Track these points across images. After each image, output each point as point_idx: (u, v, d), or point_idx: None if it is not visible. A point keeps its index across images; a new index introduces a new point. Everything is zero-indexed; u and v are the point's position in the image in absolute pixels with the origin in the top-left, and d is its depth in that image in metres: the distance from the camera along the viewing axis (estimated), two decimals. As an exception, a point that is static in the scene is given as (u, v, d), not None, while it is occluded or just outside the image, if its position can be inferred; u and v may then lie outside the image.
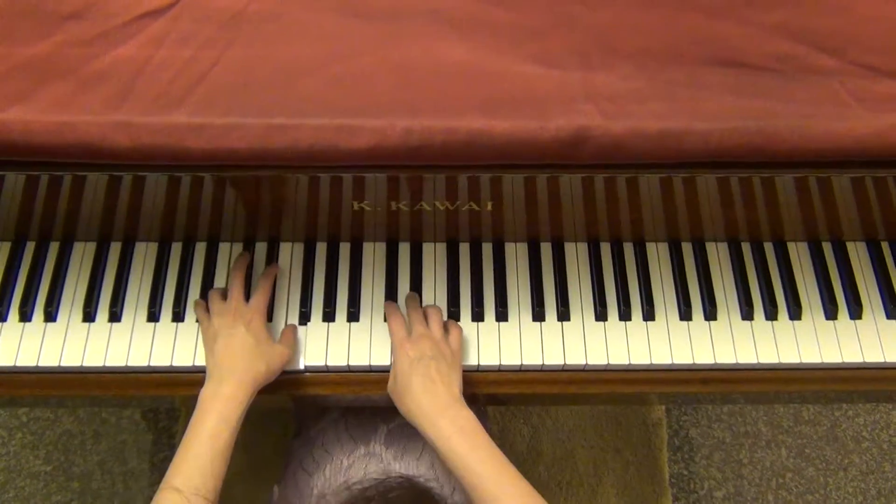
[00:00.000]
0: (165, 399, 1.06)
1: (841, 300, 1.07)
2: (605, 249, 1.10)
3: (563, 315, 1.05)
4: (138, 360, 1.01)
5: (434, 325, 1.00)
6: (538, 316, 1.05)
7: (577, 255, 1.10)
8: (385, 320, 1.05)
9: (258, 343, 0.96)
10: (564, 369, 1.04)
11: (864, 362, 1.03)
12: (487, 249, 1.10)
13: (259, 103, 0.81)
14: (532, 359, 1.03)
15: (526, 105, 0.82)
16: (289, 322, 1.04)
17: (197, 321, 1.04)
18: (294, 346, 1.02)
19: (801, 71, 0.85)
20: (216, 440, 0.87)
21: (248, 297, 1.02)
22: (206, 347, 0.98)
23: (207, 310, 1.02)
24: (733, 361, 1.03)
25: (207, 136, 0.79)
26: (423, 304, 1.06)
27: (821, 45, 0.87)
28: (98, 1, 0.88)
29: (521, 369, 1.04)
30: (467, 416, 0.89)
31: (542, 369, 1.04)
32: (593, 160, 0.83)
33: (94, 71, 0.82)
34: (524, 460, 1.72)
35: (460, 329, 1.02)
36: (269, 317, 1.04)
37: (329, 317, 1.05)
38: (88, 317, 1.03)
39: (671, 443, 1.79)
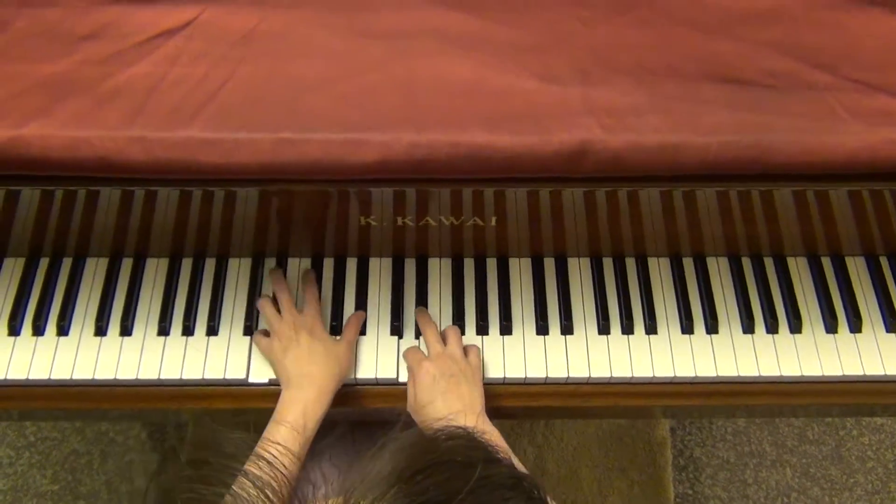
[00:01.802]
0: (175, 413, 1.07)
1: (841, 314, 1.08)
2: (608, 264, 1.12)
3: (567, 329, 1.07)
4: (148, 373, 1.03)
5: (452, 344, 1.02)
6: (542, 330, 1.07)
7: (580, 270, 1.11)
8: (392, 334, 1.06)
9: (326, 347, 0.98)
10: (568, 382, 1.05)
11: (865, 375, 1.04)
12: (492, 264, 1.12)
13: (268, 119, 0.84)
14: (536, 372, 1.04)
15: (528, 120, 0.84)
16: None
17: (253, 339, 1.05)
18: (354, 345, 1.03)
19: (795, 86, 0.87)
20: (295, 436, 0.90)
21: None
22: (275, 363, 1.00)
23: (263, 335, 1.04)
24: (735, 374, 1.04)
25: (219, 151, 0.82)
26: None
27: (815, 61, 0.89)
28: (114, 22, 0.91)
29: (526, 382, 1.05)
30: (490, 433, 0.91)
31: (546, 382, 1.05)
32: (594, 173, 0.85)
33: (110, 88, 0.85)
34: (529, 480, 1.72)
35: (478, 348, 1.04)
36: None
37: (336, 331, 1.06)
38: (100, 331, 1.05)
39: (676, 462, 1.79)
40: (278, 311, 1.04)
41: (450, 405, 0.93)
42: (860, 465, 1.78)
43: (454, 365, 0.98)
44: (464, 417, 0.92)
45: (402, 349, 1.05)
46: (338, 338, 1.04)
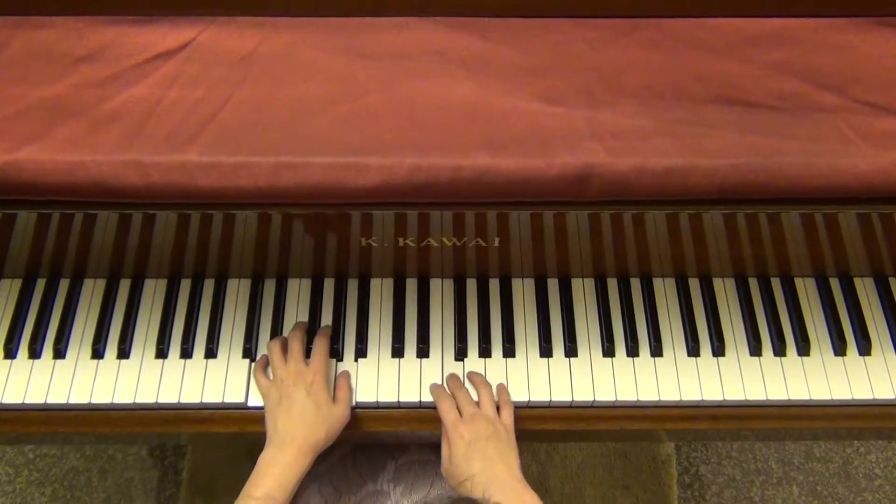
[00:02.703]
0: (173, 436, 1.06)
1: (850, 336, 1.07)
2: (612, 285, 1.10)
3: (571, 351, 1.05)
4: (146, 396, 1.01)
5: (485, 403, 0.99)
6: (546, 352, 1.05)
7: (584, 291, 1.10)
8: (393, 356, 1.05)
9: (318, 409, 0.95)
10: (572, 405, 1.04)
11: (875, 399, 1.03)
12: (494, 285, 1.10)
13: (268, 142, 0.82)
14: (540, 395, 1.03)
15: (531, 143, 0.83)
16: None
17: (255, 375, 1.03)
18: (349, 405, 1.01)
19: (803, 108, 0.86)
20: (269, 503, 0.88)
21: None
22: (267, 410, 0.98)
23: (264, 367, 1.02)
24: (742, 398, 1.02)
25: (217, 175, 0.80)
26: (432, 340, 1.06)
27: (823, 83, 0.88)
28: (111, 43, 0.90)
29: (529, 405, 1.03)
30: (532, 499, 0.90)
31: (550, 405, 1.03)
32: (599, 197, 0.84)
33: (106, 111, 0.84)
34: (532, 498, 1.70)
35: (512, 406, 1.01)
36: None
37: (336, 353, 1.05)
38: (97, 353, 1.04)
39: (681, 480, 1.77)
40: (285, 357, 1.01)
41: (491, 470, 0.91)
42: (868, 482, 1.76)
43: (489, 427, 0.95)
44: (505, 481, 0.91)
45: (403, 371, 1.04)
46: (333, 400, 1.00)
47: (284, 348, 1.01)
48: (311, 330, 1.06)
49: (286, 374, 0.98)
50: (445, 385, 1.03)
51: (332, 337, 1.05)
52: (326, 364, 1.01)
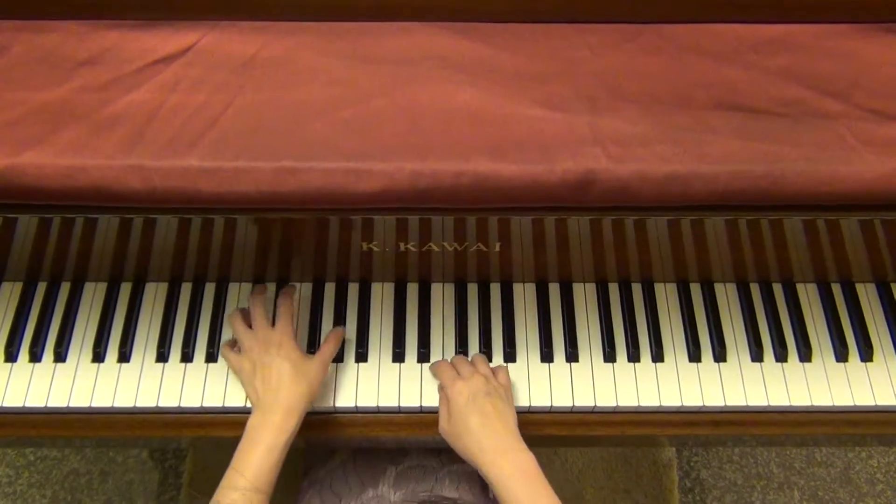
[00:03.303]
0: (173, 440, 1.06)
1: (851, 342, 1.06)
2: (614, 290, 1.10)
3: (572, 356, 1.05)
4: (146, 400, 1.01)
5: (481, 366, 1.00)
6: (546, 357, 1.05)
7: (585, 296, 1.10)
8: (394, 360, 1.05)
9: (294, 366, 0.96)
10: (573, 411, 1.03)
11: (876, 405, 1.02)
12: (496, 290, 1.10)
13: (269, 147, 0.82)
14: (540, 400, 1.02)
15: (533, 148, 0.83)
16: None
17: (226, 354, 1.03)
18: (328, 361, 1.02)
19: (806, 115, 0.86)
20: (262, 467, 0.89)
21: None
22: (245, 383, 0.98)
23: (232, 346, 1.02)
24: (743, 404, 1.02)
25: (218, 180, 0.80)
26: (432, 344, 1.06)
27: (826, 90, 0.88)
28: (112, 47, 0.90)
29: (530, 411, 1.03)
30: (528, 459, 0.90)
31: (551, 411, 1.03)
32: (600, 203, 0.83)
33: (107, 115, 0.84)
34: (533, 501, 1.70)
35: (507, 369, 1.02)
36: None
37: (337, 358, 1.05)
38: (98, 357, 1.04)
39: (682, 484, 1.76)
40: (250, 326, 1.02)
41: (489, 425, 0.92)
42: (869, 487, 1.76)
43: (487, 383, 0.96)
44: (502, 441, 0.91)
45: (404, 376, 1.04)
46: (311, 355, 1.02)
47: (244, 319, 1.02)
48: (315, 330, 1.06)
49: (253, 341, 0.99)
50: (415, 356, 1.05)
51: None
52: (291, 323, 1.02)
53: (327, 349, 1.01)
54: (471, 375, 0.97)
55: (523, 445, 0.92)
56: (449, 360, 1.04)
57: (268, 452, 0.90)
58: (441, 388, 1.01)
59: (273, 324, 1.02)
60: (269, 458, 0.90)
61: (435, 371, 1.03)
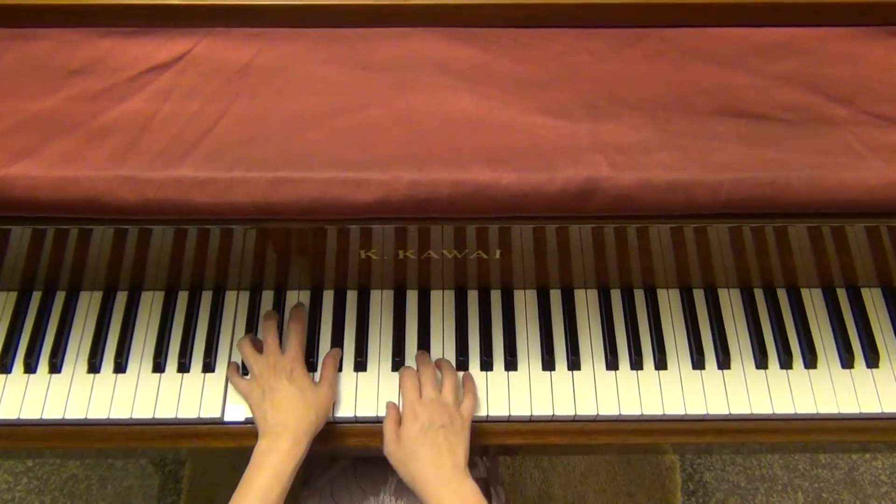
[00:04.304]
0: (171, 451, 1.05)
1: (857, 348, 1.05)
2: (616, 296, 1.09)
3: (574, 364, 1.04)
4: (143, 412, 1.00)
5: (447, 391, 0.99)
6: (548, 365, 1.04)
7: (586, 303, 1.08)
8: (393, 369, 1.03)
9: (303, 393, 0.95)
10: (575, 420, 1.02)
11: (883, 412, 1.01)
12: (496, 297, 1.09)
13: (264, 157, 0.81)
14: (542, 409, 1.01)
15: (533, 156, 0.81)
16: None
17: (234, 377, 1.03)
18: (335, 384, 1.01)
19: (811, 121, 0.84)
20: (268, 494, 0.88)
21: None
22: (253, 408, 0.97)
23: (237, 370, 1.02)
24: (748, 412, 1.01)
25: (213, 191, 0.79)
26: (433, 352, 1.05)
27: (831, 95, 0.86)
28: (105, 56, 0.88)
29: (532, 420, 1.02)
30: (470, 488, 0.90)
31: (553, 419, 1.02)
32: (602, 212, 0.82)
33: (99, 126, 0.82)
34: (535, 505, 1.69)
35: (475, 398, 1.01)
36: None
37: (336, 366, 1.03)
38: (93, 368, 1.02)
39: (685, 487, 1.75)
40: (259, 350, 1.01)
41: (436, 460, 0.91)
42: (874, 489, 1.75)
43: (445, 414, 0.95)
44: (446, 474, 0.90)
45: (404, 385, 1.02)
46: (317, 379, 1.01)
47: (254, 345, 1.01)
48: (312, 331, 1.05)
49: (263, 367, 0.98)
50: (414, 363, 1.03)
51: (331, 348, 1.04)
52: (302, 350, 1.01)
53: (330, 373, 1.01)
54: (430, 402, 0.96)
55: (467, 476, 0.91)
56: (417, 365, 1.02)
57: (275, 479, 0.89)
58: (390, 406, 0.99)
59: (282, 347, 1.01)
60: (276, 486, 0.89)
61: (400, 378, 1.01)
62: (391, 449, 0.95)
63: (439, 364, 1.03)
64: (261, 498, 0.87)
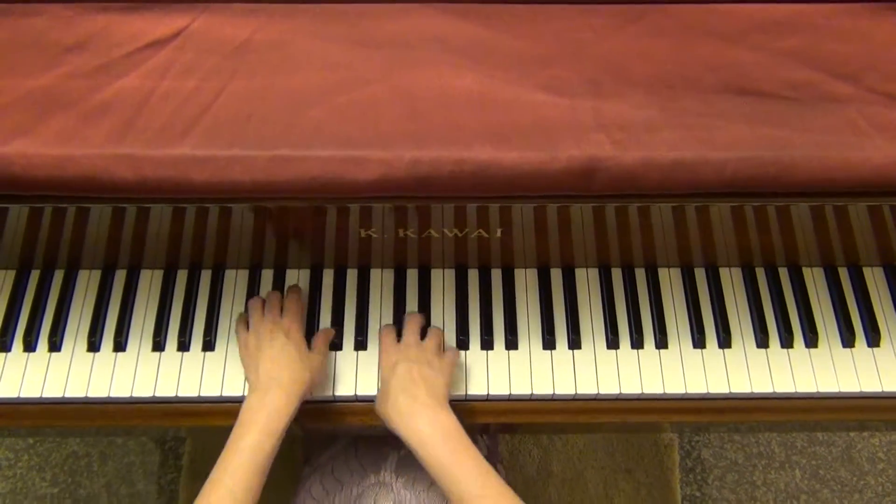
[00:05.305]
0: (171, 429, 1.05)
1: (858, 327, 1.05)
2: (617, 275, 1.08)
3: (575, 343, 1.03)
4: (143, 390, 1.00)
5: (429, 339, 0.99)
6: (549, 344, 1.03)
7: (587, 282, 1.08)
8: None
9: (299, 351, 0.95)
10: (576, 398, 1.02)
11: (883, 391, 1.01)
12: (497, 276, 1.08)
13: (263, 134, 0.80)
14: (543, 388, 1.01)
15: (535, 135, 0.80)
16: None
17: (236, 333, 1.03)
18: (326, 355, 1.01)
19: (816, 99, 0.83)
20: (257, 453, 0.86)
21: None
22: (247, 360, 0.97)
23: (246, 324, 1.01)
24: (748, 391, 1.01)
25: (211, 169, 0.78)
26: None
27: (837, 72, 0.85)
28: (101, 32, 0.87)
29: (532, 398, 1.02)
30: (448, 419, 0.89)
31: (553, 398, 1.02)
32: (605, 191, 0.81)
33: (96, 103, 0.81)
34: (534, 481, 1.70)
35: (457, 351, 1.01)
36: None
37: (336, 346, 1.03)
38: (93, 346, 1.02)
39: (683, 464, 1.76)
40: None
41: (410, 391, 0.90)
42: (871, 466, 1.76)
43: (421, 353, 0.95)
44: (421, 403, 0.89)
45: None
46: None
47: (262, 306, 1.02)
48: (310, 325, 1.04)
49: (262, 323, 0.98)
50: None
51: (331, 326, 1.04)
52: (300, 314, 1.01)
53: (322, 346, 1.00)
54: (406, 345, 0.96)
55: (444, 407, 0.90)
56: (406, 316, 1.03)
57: (265, 437, 0.86)
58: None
59: (282, 314, 1.01)
60: (266, 444, 0.86)
61: (380, 337, 1.01)
62: (377, 400, 0.94)
63: (425, 328, 1.03)
64: (249, 458, 0.85)
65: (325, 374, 1.00)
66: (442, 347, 1.00)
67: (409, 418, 0.88)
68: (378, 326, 1.05)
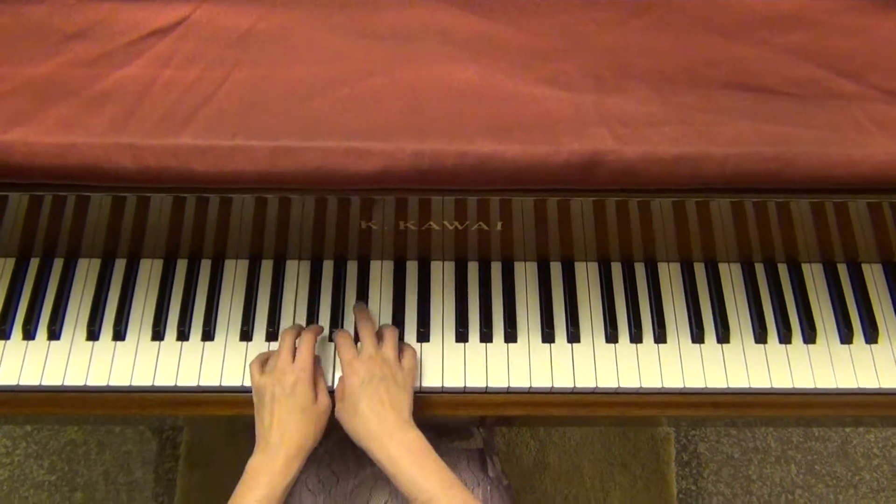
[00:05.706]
0: (169, 418, 1.05)
1: (856, 324, 1.05)
2: (616, 269, 1.08)
3: (573, 337, 1.04)
4: (142, 379, 1.00)
5: (387, 346, 0.97)
6: (548, 337, 1.04)
7: (587, 276, 1.08)
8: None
9: (303, 408, 0.92)
10: (574, 392, 1.02)
11: (881, 388, 1.01)
12: (496, 268, 1.08)
13: (266, 125, 0.80)
14: (541, 381, 1.01)
15: (538, 128, 0.80)
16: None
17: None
18: (329, 400, 0.97)
19: (819, 95, 0.83)
20: None
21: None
22: (257, 404, 0.94)
23: (261, 365, 0.98)
24: (746, 386, 1.01)
25: (213, 159, 0.78)
26: (432, 323, 1.05)
27: (840, 69, 0.85)
28: (103, 20, 0.87)
29: (531, 391, 1.02)
30: (415, 437, 0.89)
31: (552, 392, 1.02)
32: (606, 185, 0.81)
33: (98, 91, 0.81)
34: (530, 474, 1.70)
35: (414, 351, 1.00)
36: (275, 336, 1.03)
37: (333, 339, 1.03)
38: (92, 335, 1.02)
39: (679, 458, 1.77)
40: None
41: (378, 411, 0.90)
42: (866, 462, 1.77)
43: (385, 368, 0.93)
44: (390, 426, 0.89)
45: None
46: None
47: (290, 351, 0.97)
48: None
49: (270, 370, 0.95)
50: (414, 338, 1.03)
51: (331, 319, 1.04)
52: (311, 362, 0.96)
53: (322, 383, 0.97)
54: (369, 358, 0.94)
55: (411, 426, 0.91)
56: (356, 321, 1.01)
57: (265, 500, 0.86)
58: (341, 365, 0.97)
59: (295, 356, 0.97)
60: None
61: (336, 339, 0.99)
62: (338, 409, 0.93)
63: (379, 329, 1.02)
64: None
65: (329, 413, 0.95)
66: (398, 348, 0.98)
67: (379, 439, 0.89)
68: (377, 318, 1.05)
